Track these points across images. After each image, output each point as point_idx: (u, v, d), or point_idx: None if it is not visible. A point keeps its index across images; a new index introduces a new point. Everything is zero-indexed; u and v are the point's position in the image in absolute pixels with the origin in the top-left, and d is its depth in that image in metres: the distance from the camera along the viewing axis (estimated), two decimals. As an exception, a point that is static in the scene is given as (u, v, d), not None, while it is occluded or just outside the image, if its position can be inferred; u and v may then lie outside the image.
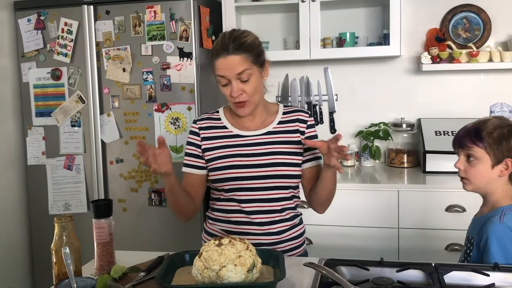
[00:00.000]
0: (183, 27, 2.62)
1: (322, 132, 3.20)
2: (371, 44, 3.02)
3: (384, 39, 2.94)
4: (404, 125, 2.99)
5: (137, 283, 1.43)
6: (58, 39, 2.78)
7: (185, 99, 2.65)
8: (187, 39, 2.62)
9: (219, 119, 1.75)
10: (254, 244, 1.36)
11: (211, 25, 2.79)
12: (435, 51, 2.88)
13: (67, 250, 1.29)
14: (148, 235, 2.74)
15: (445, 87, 3.04)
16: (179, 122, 2.66)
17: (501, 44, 2.94)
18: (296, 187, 1.74)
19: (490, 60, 2.85)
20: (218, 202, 1.74)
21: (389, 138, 2.97)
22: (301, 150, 1.71)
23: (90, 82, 2.74)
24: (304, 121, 1.74)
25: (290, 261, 1.49)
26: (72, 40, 2.76)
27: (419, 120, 2.98)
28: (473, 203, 2.41)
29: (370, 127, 3.06)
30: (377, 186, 2.60)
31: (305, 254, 1.80)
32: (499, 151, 1.52)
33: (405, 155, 2.97)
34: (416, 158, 2.99)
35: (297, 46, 3.00)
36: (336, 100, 3.19)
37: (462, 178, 1.62)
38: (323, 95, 3.20)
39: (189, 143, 1.75)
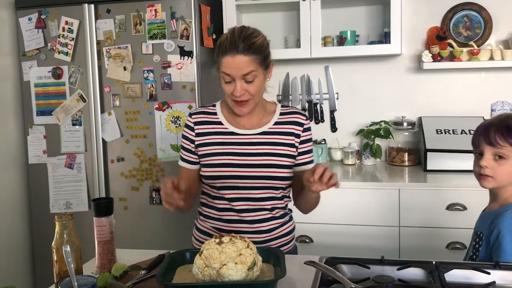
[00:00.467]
0: (184, 25, 2.62)
1: (323, 130, 3.21)
2: (372, 43, 3.02)
3: (385, 38, 2.93)
4: (405, 124, 2.99)
5: (138, 281, 1.43)
6: (59, 38, 2.78)
7: (186, 97, 2.65)
8: (187, 37, 2.62)
9: (215, 113, 1.74)
10: None
11: (211, 23, 2.79)
12: (436, 49, 2.88)
13: (68, 249, 1.29)
14: (149, 233, 2.74)
15: (446, 86, 3.04)
16: (180, 120, 2.66)
17: (502, 43, 2.94)
18: (287, 188, 1.75)
19: (491, 58, 2.84)
20: (209, 198, 1.74)
21: (390, 136, 2.97)
22: (294, 153, 1.70)
23: (91, 81, 2.74)
24: (301, 124, 1.72)
25: (291, 259, 1.49)
26: (73, 39, 2.76)
27: (420, 118, 2.98)
28: (474, 201, 2.43)
29: (371, 125, 3.06)
30: (378, 185, 2.60)
31: (294, 250, 1.80)
32: None
33: (406, 154, 2.97)
34: (417, 156, 2.98)
35: (298, 44, 3.00)
36: (337, 98, 3.19)
37: (483, 175, 1.54)
38: (324, 94, 3.20)
39: (184, 137, 1.75)
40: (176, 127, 2.67)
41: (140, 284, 1.42)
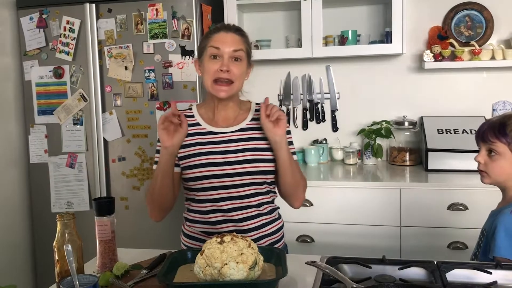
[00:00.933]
0: (185, 25, 2.62)
1: (324, 130, 3.21)
2: (373, 42, 3.02)
3: (386, 37, 2.93)
4: (406, 123, 2.99)
5: (139, 280, 1.43)
6: (60, 37, 2.78)
7: (187, 97, 2.65)
8: (189, 37, 2.62)
9: (192, 116, 1.73)
10: None
11: (213, 23, 2.79)
12: (437, 49, 2.88)
13: (69, 248, 1.29)
14: (150, 232, 2.74)
15: (447, 85, 3.03)
16: (181, 120, 2.66)
17: (503, 42, 2.93)
18: (272, 183, 1.74)
19: (493, 58, 2.84)
20: (193, 203, 1.71)
21: (391, 136, 2.97)
22: None
23: (92, 81, 2.74)
24: None
25: (292, 259, 1.49)
26: (74, 38, 2.76)
27: (421, 118, 2.98)
28: (475, 201, 2.43)
29: (372, 125, 3.06)
30: (379, 184, 2.60)
31: (284, 249, 1.79)
32: None
33: (407, 153, 2.97)
34: (418, 156, 2.98)
35: (299, 44, 3.00)
36: (338, 98, 3.19)
37: (480, 171, 1.62)
38: (325, 93, 3.20)
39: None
40: (177, 126, 2.67)
41: (142, 283, 1.42)
